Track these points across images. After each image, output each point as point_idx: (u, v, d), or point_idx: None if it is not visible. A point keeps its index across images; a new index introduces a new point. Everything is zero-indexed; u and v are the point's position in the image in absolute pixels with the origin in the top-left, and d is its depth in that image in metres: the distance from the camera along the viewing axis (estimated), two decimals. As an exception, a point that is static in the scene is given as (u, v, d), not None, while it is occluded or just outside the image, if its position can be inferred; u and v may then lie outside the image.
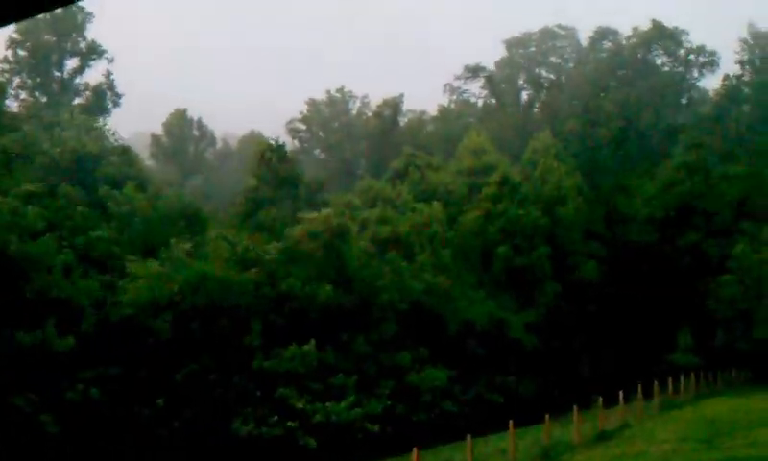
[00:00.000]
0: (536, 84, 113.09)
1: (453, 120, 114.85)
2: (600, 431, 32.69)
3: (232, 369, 41.40)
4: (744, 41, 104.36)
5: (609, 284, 66.99)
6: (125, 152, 63.94)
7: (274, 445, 40.21)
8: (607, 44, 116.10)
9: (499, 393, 54.96)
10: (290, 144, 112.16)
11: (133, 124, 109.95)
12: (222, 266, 43.94)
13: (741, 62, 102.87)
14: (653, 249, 72.67)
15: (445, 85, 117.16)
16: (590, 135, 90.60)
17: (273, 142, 69.83)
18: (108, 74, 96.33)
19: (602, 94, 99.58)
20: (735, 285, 57.13)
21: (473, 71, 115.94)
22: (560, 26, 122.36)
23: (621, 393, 37.46)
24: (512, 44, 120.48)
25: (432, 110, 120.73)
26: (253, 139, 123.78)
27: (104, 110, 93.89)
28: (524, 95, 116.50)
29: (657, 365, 59.14)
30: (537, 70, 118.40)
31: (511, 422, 27.17)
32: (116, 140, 69.01)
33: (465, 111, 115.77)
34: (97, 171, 53.45)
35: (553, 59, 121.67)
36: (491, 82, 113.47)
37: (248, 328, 42.87)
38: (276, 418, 41.10)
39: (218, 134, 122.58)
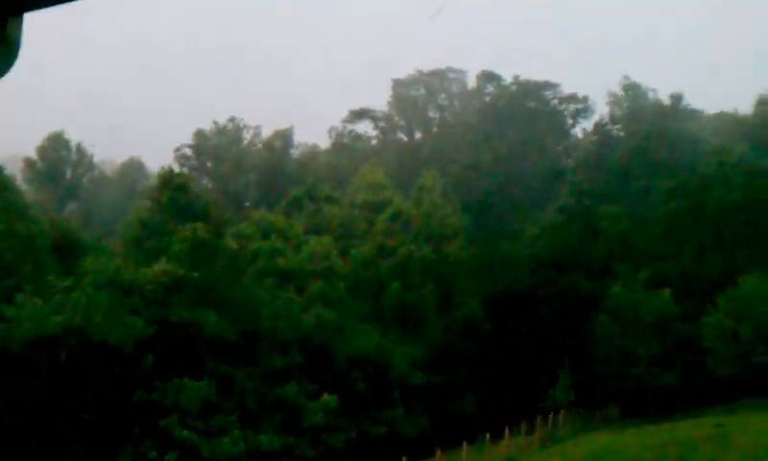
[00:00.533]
0: (425, 124, 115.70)
1: (346, 154, 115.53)
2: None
3: (114, 404, 39.23)
4: (614, 93, 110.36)
5: (493, 323, 68.32)
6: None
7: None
8: (490, 89, 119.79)
9: (384, 427, 54.74)
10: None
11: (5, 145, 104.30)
12: (103, 298, 41.71)
13: (612, 111, 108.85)
14: (535, 290, 74.82)
15: (330, 129, 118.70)
16: (474, 181, 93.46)
17: (176, 170, 68.11)
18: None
19: (483, 140, 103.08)
20: (611, 325, 59.24)
21: (358, 115, 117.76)
22: (450, 69, 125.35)
23: (507, 429, 37.87)
24: (402, 84, 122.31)
25: (324, 143, 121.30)
26: (134, 166, 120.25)
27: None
28: (417, 133, 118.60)
29: (540, 402, 60.50)
30: (427, 111, 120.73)
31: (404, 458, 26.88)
32: None
33: (358, 146, 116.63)
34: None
35: (443, 98, 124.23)
36: (377, 124, 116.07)
37: (133, 361, 40.84)
38: (154, 453, 39.16)
39: (96, 160, 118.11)
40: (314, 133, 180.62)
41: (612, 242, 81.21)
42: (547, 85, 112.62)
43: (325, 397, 50.22)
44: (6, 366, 36.98)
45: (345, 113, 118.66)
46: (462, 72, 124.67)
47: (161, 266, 45.32)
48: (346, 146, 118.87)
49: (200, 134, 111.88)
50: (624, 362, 54.82)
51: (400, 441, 54.65)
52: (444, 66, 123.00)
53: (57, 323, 38.15)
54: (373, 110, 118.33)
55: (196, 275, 45.92)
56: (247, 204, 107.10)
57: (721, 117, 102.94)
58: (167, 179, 63.08)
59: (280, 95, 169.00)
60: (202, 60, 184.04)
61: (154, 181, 74.36)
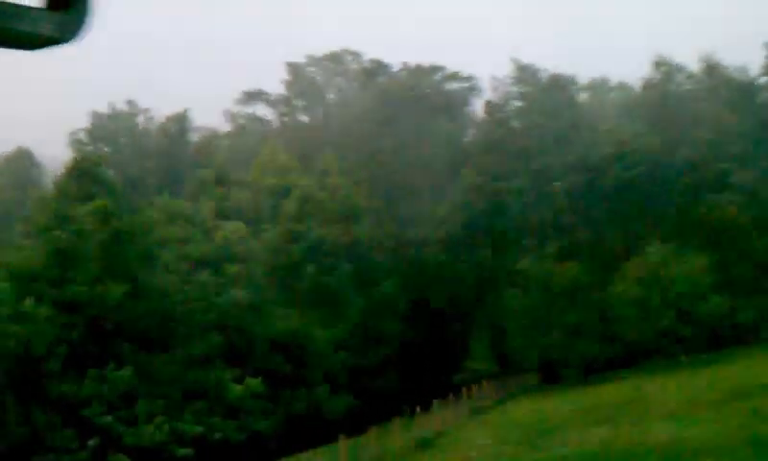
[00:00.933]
0: (324, 106, 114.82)
1: (246, 137, 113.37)
2: (419, 439, 33.07)
3: (30, 400, 37.40)
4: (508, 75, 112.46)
5: (409, 301, 69.19)
6: None
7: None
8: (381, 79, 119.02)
9: (307, 409, 54.52)
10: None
11: None
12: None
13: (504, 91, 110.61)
14: (446, 266, 76.19)
15: (225, 112, 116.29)
16: (377, 165, 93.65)
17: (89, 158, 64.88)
18: None
19: (382, 125, 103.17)
20: (523, 297, 60.95)
21: (252, 96, 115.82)
22: (347, 51, 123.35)
23: (435, 402, 38.26)
24: (298, 67, 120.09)
25: (222, 127, 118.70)
26: (20, 155, 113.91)
27: None
28: (316, 116, 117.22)
29: (458, 374, 61.75)
30: (325, 93, 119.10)
31: (342, 436, 26.72)
32: None
33: (257, 128, 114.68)
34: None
35: (341, 81, 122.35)
36: (275, 106, 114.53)
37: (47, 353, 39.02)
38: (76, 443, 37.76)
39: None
40: (210, 117, 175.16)
41: (517, 218, 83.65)
42: (435, 69, 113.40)
43: (249, 380, 49.62)
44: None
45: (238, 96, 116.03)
46: (358, 55, 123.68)
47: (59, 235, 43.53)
48: (244, 129, 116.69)
49: (96, 118, 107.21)
50: (539, 332, 56.42)
51: (326, 421, 54.61)
52: (339, 49, 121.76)
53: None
54: (267, 93, 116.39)
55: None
56: (151, 190, 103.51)
57: (624, 89, 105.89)
58: (78, 163, 59.81)
59: (171, 80, 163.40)
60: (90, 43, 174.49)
61: (51, 170, 70.56)
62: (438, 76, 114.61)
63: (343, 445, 25.49)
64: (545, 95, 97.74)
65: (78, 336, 41.57)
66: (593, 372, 56.95)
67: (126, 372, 41.43)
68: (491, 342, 66.51)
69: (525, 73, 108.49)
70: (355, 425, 55.25)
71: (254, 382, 48.79)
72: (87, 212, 48.64)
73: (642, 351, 53.53)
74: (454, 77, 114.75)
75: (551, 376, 61.07)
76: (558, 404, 41.58)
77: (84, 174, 57.53)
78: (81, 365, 42.41)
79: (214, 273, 56.27)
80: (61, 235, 45.17)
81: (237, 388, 48.50)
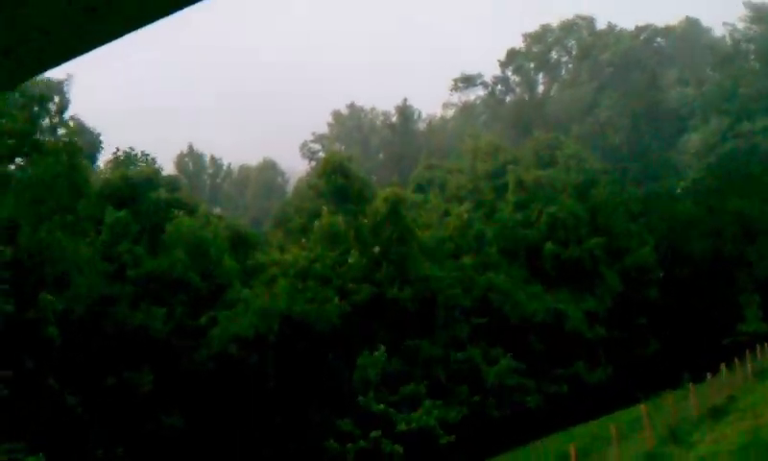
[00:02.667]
0: (552, 73, 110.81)
1: (468, 121, 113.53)
2: (711, 407, 30.59)
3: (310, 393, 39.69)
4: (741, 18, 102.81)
5: (665, 265, 65.21)
6: (174, 181, 61.93)
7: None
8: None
9: (565, 385, 53.14)
10: (306, 166, 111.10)
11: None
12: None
13: None
14: (699, 219, 70.70)
15: (451, 91, 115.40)
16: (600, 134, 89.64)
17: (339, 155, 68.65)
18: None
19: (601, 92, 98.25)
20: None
21: (466, 81, 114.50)
22: (579, 16, 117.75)
23: (723, 365, 35.30)
24: (528, 37, 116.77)
25: (439, 113, 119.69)
26: (267, 166, 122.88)
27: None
28: (541, 87, 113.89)
29: (728, 338, 57.07)
30: (555, 58, 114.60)
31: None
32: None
33: (477, 111, 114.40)
34: (148, 197, 50.20)
35: (572, 45, 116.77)
36: (491, 89, 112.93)
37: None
38: (359, 432, 39.29)
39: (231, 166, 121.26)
40: (425, 104, 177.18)
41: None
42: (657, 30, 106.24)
43: (504, 360, 49.29)
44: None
45: (451, 82, 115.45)
46: (592, 19, 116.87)
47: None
48: (468, 110, 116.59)
49: (324, 128, 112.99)
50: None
51: (586, 396, 53.00)
52: (570, 16, 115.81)
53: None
54: (482, 76, 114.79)
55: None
56: (381, 183, 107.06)
57: None
58: (328, 160, 63.09)
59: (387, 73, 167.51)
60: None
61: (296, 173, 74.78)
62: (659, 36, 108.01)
63: (644, 410, 24.01)
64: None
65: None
66: None
67: (396, 358, 42.42)
68: (761, 301, 60.58)
69: (761, 13, 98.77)
70: (620, 397, 53.24)
71: (509, 361, 48.47)
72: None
73: None
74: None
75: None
76: None
77: (335, 170, 60.22)
78: (349, 351, 44.18)
79: (458, 258, 56.40)
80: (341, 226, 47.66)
81: (497, 366, 48.34)
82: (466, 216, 63.39)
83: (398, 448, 39.50)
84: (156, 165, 56.76)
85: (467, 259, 53.36)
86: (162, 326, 37.61)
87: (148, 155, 54.31)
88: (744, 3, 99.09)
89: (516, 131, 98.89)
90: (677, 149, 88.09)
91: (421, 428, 41.68)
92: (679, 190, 77.08)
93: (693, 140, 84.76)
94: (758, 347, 45.30)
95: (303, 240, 51.95)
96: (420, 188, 77.60)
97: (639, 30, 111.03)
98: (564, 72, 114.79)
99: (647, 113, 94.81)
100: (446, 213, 66.11)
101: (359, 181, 62.13)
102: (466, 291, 50.16)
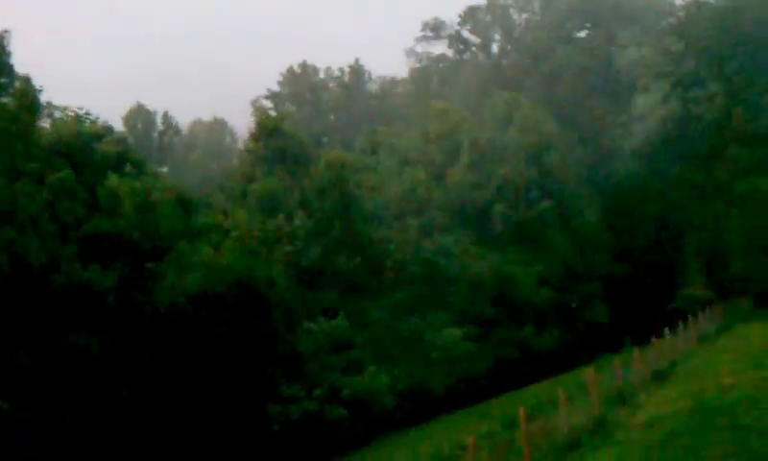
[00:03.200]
0: (509, 32, 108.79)
1: (423, 81, 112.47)
2: (656, 371, 31.02)
3: (256, 355, 39.07)
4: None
5: (612, 230, 65.99)
6: (122, 138, 59.70)
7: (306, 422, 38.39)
8: None
9: (514, 348, 53.68)
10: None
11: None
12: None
13: None
14: (645, 181, 71.50)
15: (408, 50, 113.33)
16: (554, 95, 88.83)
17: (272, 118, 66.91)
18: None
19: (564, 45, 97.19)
20: (742, 216, 55.84)
21: (433, 29, 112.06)
22: None
23: (666, 330, 35.85)
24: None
25: (398, 73, 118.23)
26: (216, 125, 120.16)
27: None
28: (495, 47, 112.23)
29: (672, 303, 58.21)
30: (512, 16, 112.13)
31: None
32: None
33: (434, 70, 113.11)
34: (95, 155, 48.48)
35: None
36: (456, 40, 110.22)
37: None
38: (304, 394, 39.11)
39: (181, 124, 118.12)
40: (386, 58, 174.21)
41: (715, 127, 76.45)
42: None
43: (451, 329, 49.32)
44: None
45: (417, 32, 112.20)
46: None
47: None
48: (422, 72, 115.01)
49: (275, 85, 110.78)
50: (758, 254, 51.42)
51: (535, 359, 53.58)
52: None
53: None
54: (446, 24, 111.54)
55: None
56: (325, 140, 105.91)
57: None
58: (263, 123, 61.63)
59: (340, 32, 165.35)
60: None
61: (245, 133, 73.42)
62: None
63: (591, 374, 24.12)
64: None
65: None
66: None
67: (342, 322, 42.09)
68: (705, 266, 61.93)
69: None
70: (566, 361, 53.94)
71: (457, 330, 48.58)
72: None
73: None
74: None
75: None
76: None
77: (271, 133, 59.03)
78: (295, 316, 43.74)
79: (402, 221, 56.15)
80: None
81: (444, 334, 48.32)
82: (413, 179, 63.05)
83: (342, 412, 39.45)
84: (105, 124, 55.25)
85: (412, 222, 52.99)
86: (109, 282, 36.58)
87: (93, 116, 52.73)
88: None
89: (474, 91, 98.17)
90: (628, 110, 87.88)
91: (367, 393, 41.68)
92: (626, 153, 77.60)
93: (639, 103, 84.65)
94: (700, 312, 46.30)
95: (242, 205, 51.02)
96: (371, 151, 76.96)
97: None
98: (520, 24, 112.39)
99: (601, 70, 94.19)
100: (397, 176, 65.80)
101: (297, 143, 60.88)
102: (412, 255, 49.91)
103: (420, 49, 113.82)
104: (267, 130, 60.90)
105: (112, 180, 41.53)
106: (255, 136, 62.45)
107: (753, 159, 64.40)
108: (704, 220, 65.61)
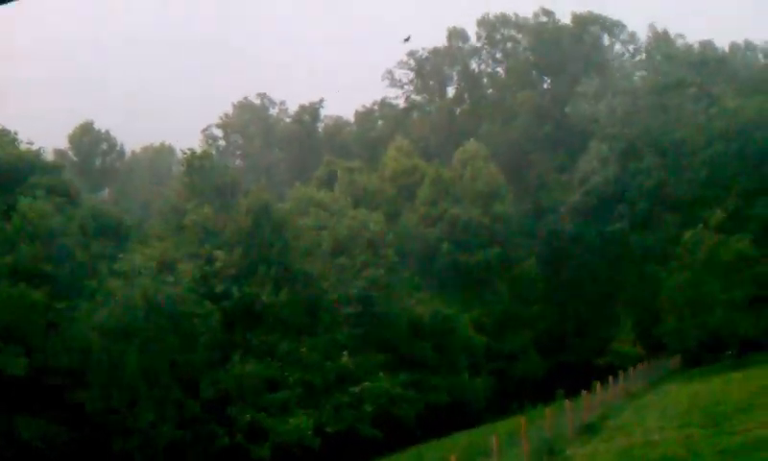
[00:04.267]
0: (470, 77, 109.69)
1: (373, 122, 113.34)
2: (585, 424, 31.51)
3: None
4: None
5: (547, 280, 67.09)
6: (55, 166, 58.13)
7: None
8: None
9: (450, 394, 53.55)
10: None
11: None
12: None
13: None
14: (580, 237, 73.26)
15: (386, 72, 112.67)
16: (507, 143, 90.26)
17: (199, 150, 65.98)
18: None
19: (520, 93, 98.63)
20: (676, 273, 57.46)
21: (395, 81, 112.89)
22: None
23: (597, 384, 36.50)
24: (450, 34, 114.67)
25: (349, 115, 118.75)
26: (163, 150, 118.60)
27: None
28: (450, 90, 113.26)
29: (602, 357, 59.34)
30: (471, 65, 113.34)
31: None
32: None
33: (385, 114, 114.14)
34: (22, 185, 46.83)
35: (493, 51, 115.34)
36: (420, 74, 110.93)
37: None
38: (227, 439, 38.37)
39: (126, 148, 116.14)
40: (342, 107, 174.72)
41: (653, 190, 78.98)
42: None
43: (383, 380, 48.98)
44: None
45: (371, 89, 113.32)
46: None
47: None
48: (372, 114, 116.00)
49: (228, 113, 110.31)
50: (698, 310, 52.90)
51: (468, 407, 53.71)
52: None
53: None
54: (398, 79, 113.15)
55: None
56: (278, 178, 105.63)
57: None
58: (190, 160, 61.16)
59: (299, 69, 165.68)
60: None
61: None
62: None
63: (523, 423, 24.37)
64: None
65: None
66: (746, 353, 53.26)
67: (269, 367, 41.63)
68: (635, 322, 63.45)
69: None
70: (499, 409, 54.25)
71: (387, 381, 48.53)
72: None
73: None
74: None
75: (696, 358, 57.37)
76: (724, 386, 38.79)
77: (196, 170, 58.59)
78: (227, 352, 43.18)
79: (351, 259, 56.01)
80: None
81: (376, 381, 48.03)
82: (364, 216, 63.18)
83: (266, 452, 38.95)
84: (37, 146, 54.12)
85: (350, 261, 52.87)
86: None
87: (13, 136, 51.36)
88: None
89: (427, 134, 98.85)
90: (576, 165, 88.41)
91: (293, 435, 41.22)
92: (568, 208, 79.28)
93: (584, 161, 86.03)
94: (631, 367, 47.31)
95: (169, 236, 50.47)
96: (324, 186, 76.86)
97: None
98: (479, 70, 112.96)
99: (556, 119, 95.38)
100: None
101: (223, 178, 60.49)
102: (349, 293, 49.78)
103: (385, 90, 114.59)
104: (193, 164, 60.49)
105: (23, 205, 40.25)
106: (185, 169, 61.96)
107: (685, 224, 66.85)
108: (638, 279, 67.41)
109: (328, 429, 43.41)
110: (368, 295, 51.74)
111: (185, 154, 63.50)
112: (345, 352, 48.22)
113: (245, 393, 41.43)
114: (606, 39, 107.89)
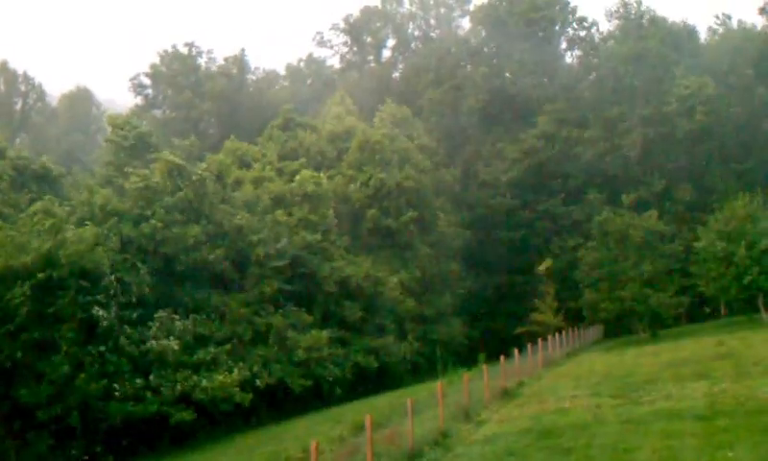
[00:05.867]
0: (403, 42, 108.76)
1: (303, 80, 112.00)
2: (502, 390, 32.16)
3: (99, 341, 37.35)
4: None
5: (474, 247, 67.98)
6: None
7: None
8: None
9: (374, 358, 53.94)
10: (133, 101, 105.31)
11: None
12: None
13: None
14: (514, 211, 74.61)
15: (315, 35, 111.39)
16: (452, 103, 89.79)
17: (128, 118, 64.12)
18: None
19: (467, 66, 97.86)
20: (594, 249, 59.22)
21: (325, 43, 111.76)
22: None
23: (516, 351, 37.24)
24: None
25: (280, 68, 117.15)
26: (81, 95, 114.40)
27: None
28: (386, 52, 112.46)
29: (523, 326, 60.75)
30: (408, 27, 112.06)
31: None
32: None
33: (318, 71, 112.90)
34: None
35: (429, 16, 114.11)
36: (353, 36, 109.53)
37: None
38: (149, 394, 37.71)
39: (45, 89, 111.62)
40: (272, 57, 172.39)
41: (588, 168, 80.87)
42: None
43: (315, 332, 49.09)
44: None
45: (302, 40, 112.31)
46: None
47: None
48: (301, 71, 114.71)
49: (156, 62, 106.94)
50: (613, 285, 54.88)
51: (391, 368, 54.31)
52: None
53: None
54: (336, 31, 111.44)
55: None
56: (210, 131, 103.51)
57: (727, 36, 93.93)
58: (116, 123, 59.23)
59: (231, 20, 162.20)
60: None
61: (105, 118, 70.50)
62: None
63: (439, 387, 24.70)
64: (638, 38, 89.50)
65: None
66: (661, 327, 55.48)
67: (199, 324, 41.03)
68: (557, 293, 65.16)
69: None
70: (424, 372, 55.08)
71: (321, 333, 48.54)
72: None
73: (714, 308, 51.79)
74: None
75: (616, 330, 59.61)
76: (637, 358, 40.34)
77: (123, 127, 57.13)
78: (153, 306, 42.37)
79: (287, 215, 55.47)
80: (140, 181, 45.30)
81: (307, 336, 48.09)
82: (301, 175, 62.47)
83: (189, 414, 38.58)
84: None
85: (280, 214, 52.46)
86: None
87: None
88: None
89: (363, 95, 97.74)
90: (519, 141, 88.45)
91: (219, 390, 40.82)
92: (504, 181, 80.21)
93: (527, 135, 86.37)
94: (550, 336, 48.54)
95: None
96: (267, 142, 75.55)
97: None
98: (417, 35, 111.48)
99: (504, 92, 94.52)
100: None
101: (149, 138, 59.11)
102: (279, 250, 49.43)
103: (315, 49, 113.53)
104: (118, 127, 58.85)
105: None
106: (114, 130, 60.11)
107: (608, 199, 68.74)
108: (561, 250, 69.19)
109: (258, 383, 43.06)
110: (299, 255, 51.40)
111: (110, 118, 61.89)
112: (273, 307, 48.03)
113: (171, 352, 40.53)
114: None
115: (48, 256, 35.69)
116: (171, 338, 40.59)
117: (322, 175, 60.11)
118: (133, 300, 40.40)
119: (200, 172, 49.43)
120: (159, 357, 39.70)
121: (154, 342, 39.63)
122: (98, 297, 37.53)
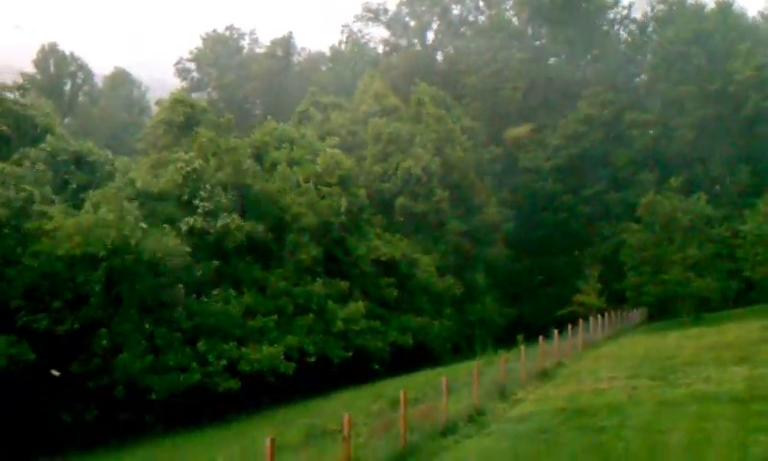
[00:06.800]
0: (447, 27, 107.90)
1: (346, 63, 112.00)
2: (540, 370, 32.18)
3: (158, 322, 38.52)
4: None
5: (518, 230, 67.78)
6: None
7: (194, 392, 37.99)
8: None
9: (413, 334, 54.22)
10: (179, 85, 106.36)
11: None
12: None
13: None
14: (558, 196, 74.02)
15: (343, 27, 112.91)
16: (494, 89, 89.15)
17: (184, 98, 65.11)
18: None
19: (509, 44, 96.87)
20: (639, 231, 58.49)
21: (374, 13, 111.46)
22: None
23: (556, 332, 37.15)
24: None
25: (327, 49, 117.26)
26: (120, 78, 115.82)
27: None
28: (430, 36, 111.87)
29: (565, 307, 60.39)
30: (453, 10, 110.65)
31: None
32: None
33: (361, 53, 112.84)
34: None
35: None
36: (391, 27, 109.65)
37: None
38: (194, 364, 38.64)
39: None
40: (317, 37, 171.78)
41: (640, 150, 79.42)
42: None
43: (352, 303, 49.54)
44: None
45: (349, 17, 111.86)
46: None
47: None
48: (344, 54, 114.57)
49: (200, 46, 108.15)
50: (657, 268, 54.16)
51: (429, 348, 54.58)
52: None
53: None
54: (389, 11, 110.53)
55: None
56: (255, 112, 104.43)
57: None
58: (175, 104, 60.12)
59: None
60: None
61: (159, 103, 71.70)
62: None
63: (476, 365, 24.92)
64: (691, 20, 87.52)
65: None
66: (706, 311, 54.65)
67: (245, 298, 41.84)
68: (601, 276, 64.57)
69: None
70: (462, 351, 55.26)
71: (358, 306, 48.97)
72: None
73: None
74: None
75: (660, 312, 58.89)
76: (679, 341, 39.90)
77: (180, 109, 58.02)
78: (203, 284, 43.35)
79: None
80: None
81: (347, 308, 48.60)
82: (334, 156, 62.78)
83: (235, 384, 39.40)
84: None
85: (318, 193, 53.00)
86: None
87: None
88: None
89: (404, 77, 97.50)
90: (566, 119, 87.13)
91: (267, 362, 41.62)
92: (547, 167, 79.62)
93: (569, 120, 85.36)
94: (592, 318, 48.24)
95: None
96: (300, 121, 76.12)
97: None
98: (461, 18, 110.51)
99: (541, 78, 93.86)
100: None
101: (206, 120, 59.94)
102: (322, 235, 50.00)
103: (356, 28, 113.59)
104: (176, 105, 59.73)
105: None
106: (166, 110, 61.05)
107: (659, 182, 67.56)
108: (608, 233, 68.47)
109: (308, 352, 43.59)
110: (332, 223, 51.84)
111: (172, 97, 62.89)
112: (313, 278, 48.63)
113: (223, 325, 41.55)
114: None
115: (122, 243, 37.08)
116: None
117: (347, 158, 60.29)
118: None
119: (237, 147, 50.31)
120: (214, 327, 40.64)
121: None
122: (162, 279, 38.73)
